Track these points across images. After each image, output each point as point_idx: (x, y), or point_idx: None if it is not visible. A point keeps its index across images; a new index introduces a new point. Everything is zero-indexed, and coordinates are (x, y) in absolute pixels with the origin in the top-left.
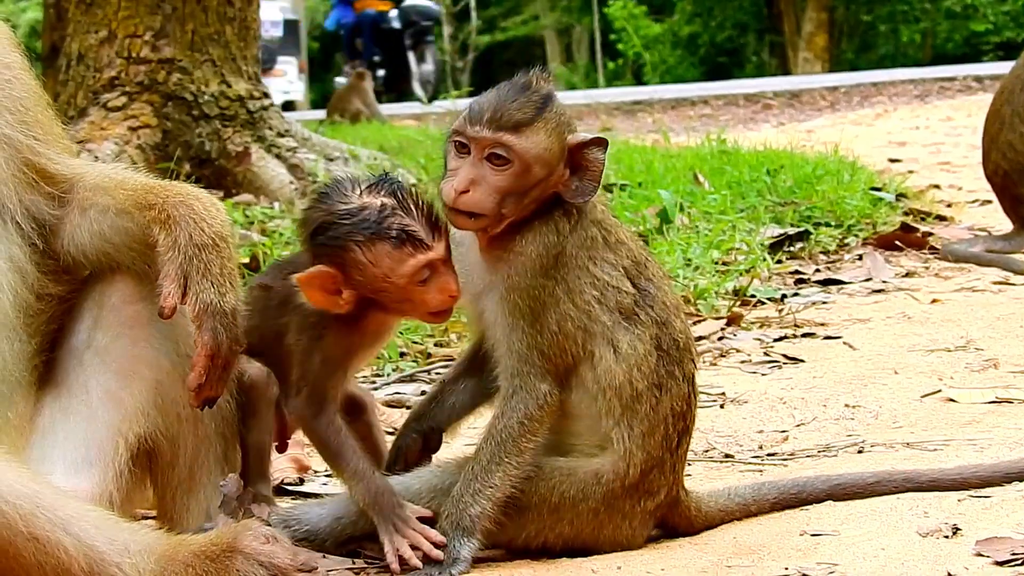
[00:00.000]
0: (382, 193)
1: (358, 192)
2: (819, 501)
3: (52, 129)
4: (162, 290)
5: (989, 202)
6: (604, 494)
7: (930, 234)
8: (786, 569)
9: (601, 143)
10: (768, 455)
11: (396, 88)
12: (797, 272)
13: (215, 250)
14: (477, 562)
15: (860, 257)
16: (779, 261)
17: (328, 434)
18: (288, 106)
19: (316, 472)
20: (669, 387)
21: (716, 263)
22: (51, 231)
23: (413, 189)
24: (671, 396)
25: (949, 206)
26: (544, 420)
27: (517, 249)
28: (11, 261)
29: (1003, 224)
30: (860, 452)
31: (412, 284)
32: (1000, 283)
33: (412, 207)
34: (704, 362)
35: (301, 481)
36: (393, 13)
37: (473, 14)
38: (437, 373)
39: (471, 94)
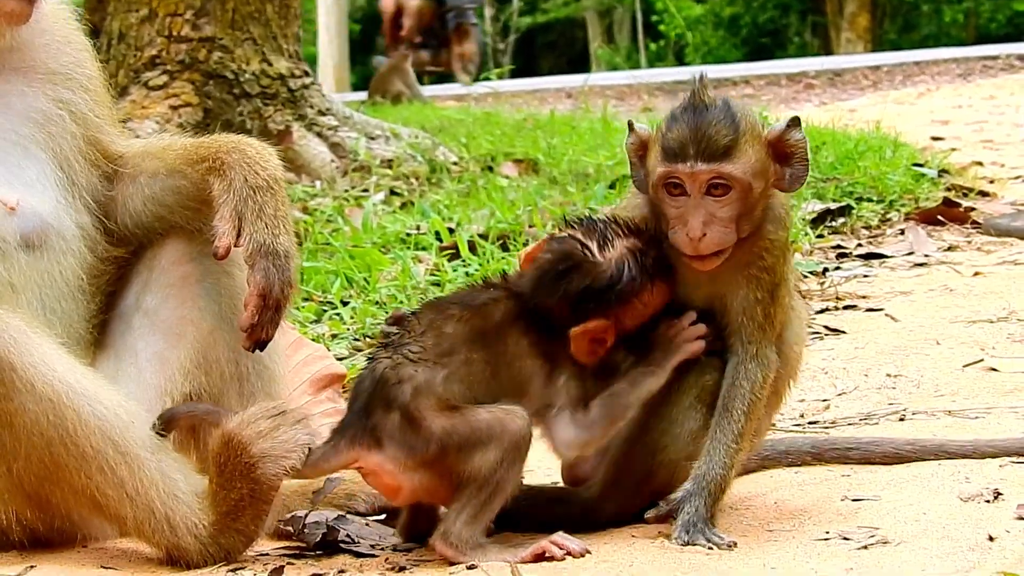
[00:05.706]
0: (612, 241)
1: (594, 248)
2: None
3: (112, 108)
4: (217, 231)
5: None
6: None
7: (972, 209)
8: (827, 533)
9: (795, 123)
10: (809, 423)
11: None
12: (839, 247)
13: (269, 192)
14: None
15: (902, 232)
16: (821, 236)
17: (604, 417)
18: None
19: None
20: (791, 384)
21: None
22: (105, 212)
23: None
24: (790, 391)
25: (991, 182)
26: (767, 386)
27: (770, 237)
28: (81, 229)
29: None
30: (901, 420)
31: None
32: None
33: (642, 238)
34: None
35: None
36: None
37: None
38: None
39: (512, 74)
